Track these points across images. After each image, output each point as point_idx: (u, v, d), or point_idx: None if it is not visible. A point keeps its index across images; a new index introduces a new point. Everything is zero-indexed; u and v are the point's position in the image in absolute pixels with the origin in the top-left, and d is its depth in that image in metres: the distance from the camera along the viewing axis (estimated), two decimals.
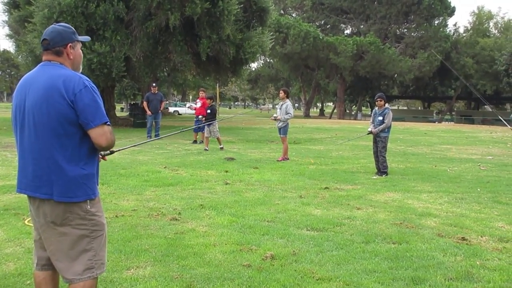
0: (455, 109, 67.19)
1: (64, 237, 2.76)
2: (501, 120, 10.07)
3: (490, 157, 14.09)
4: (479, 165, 11.96)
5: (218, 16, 20.54)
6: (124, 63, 20.68)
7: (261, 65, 65.25)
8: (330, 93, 66.07)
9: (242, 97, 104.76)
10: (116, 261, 4.42)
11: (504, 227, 5.86)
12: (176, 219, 5.93)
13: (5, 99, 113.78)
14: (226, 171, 10.03)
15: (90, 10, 19.51)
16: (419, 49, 48.95)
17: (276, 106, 13.27)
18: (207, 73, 28.91)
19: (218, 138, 14.60)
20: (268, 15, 25.02)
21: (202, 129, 15.10)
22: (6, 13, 26.42)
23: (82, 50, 2.98)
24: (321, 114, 71.73)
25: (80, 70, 2.95)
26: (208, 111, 14.73)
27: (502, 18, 62.95)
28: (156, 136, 17.09)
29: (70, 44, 2.82)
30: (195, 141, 16.55)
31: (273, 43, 30.49)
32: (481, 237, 5.43)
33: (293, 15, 58.78)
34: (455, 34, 55.42)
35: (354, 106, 74.45)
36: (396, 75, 51.81)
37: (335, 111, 62.06)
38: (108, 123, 2.76)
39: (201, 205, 6.77)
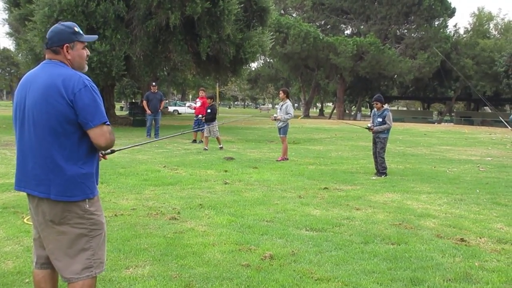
0: (454, 110, 67.22)
1: (62, 236, 2.75)
2: (501, 121, 10.08)
3: (489, 159, 14.10)
4: (478, 166, 11.97)
5: (218, 15, 20.56)
6: (124, 62, 20.69)
7: (261, 65, 65.23)
8: (329, 93, 66.09)
9: (242, 96, 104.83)
10: (115, 260, 4.42)
11: (503, 229, 5.86)
12: (175, 219, 5.93)
13: (5, 97, 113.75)
14: (226, 171, 10.03)
15: (90, 8, 19.52)
16: (419, 50, 48.95)
17: (276, 106, 13.27)
18: (207, 72, 28.93)
19: (217, 138, 14.60)
20: (269, 15, 25.04)
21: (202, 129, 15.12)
22: (7, 11, 26.43)
23: None
24: (321, 114, 71.72)
25: (84, 70, 2.93)
26: (208, 110, 14.73)
27: (502, 19, 63.13)
28: (156, 135, 17.11)
29: (67, 44, 2.79)
30: (194, 141, 16.55)
31: (273, 43, 30.51)
32: (480, 238, 5.44)
33: (294, 15, 58.75)
34: (455, 35, 55.41)
35: (353, 106, 74.48)
36: (396, 75, 51.80)
37: (334, 111, 62.05)
38: (108, 123, 2.75)
39: (200, 204, 6.78)
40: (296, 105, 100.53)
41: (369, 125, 10.31)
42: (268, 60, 61.87)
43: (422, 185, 9.00)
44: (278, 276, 4.10)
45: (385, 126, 10.04)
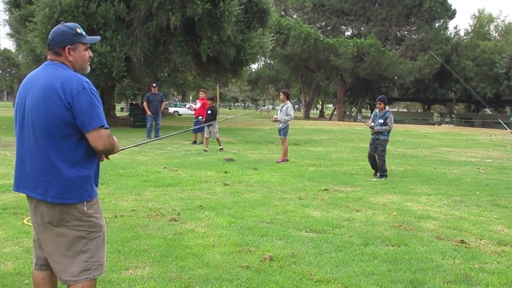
0: (455, 111, 67.20)
1: (60, 238, 2.75)
2: (501, 123, 10.07)
3: (490, 160, 14.09)
4: (479, 168, 11.96)
5: (219, 17, 20.57)
6: (124, 63, 20.70)
7: (262, 66, 65.29)
8: (330, 95, 66.04)
9: (242, 98, 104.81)
10: (115, 261, 4.42)
11: (503, 230, 5.86)
12: (175, 220, 5.93)
13: (5, 98, 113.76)
14: (226, 172, 10.03)
15: (91, 9, 19.53)
16: (419, 51, 48.96)
17: (277, 108, 13.27)
18: (208, 73, 28.94)
19: (217, 139, 14.60)
20: (269, 16, 25.07)
21: (202, 130, 15.11)
22: (7, 12, 26.46)
23: None
24: (321, 115, 71.74)
25: (86, 71, 2.92)
26: (209, 111, 14.73)
27: (503, 21, 62.93)
28: (156, 136, 17.09)
29: (69, 46, 2.77)
30: (194, 142, 16.55)
31: (274, 44, 30.52)
32: (480, 240, 5.43)
33: (294, 16, 58.80)
34: (456, 36, 55.44)
35: (354, 108, 74.46)
36: (396, 77, 51.81)
37: (335, 112, 62.06)
38: (106, 126, 2.72)
39: (200, 206, 6.77)
40: (296, 106, 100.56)
41: (372, 124, 10.23)
42: (269, 62, 61.95)
43: (422, 186, 9.00)
44: (278, 278, 4.10)
45: (386, 127, 10.01)
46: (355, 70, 48.69)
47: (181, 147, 15.30)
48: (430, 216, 6.55)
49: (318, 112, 79.85)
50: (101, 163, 3.00)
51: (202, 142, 15.61)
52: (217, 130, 14.62)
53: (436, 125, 49.52)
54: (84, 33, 2.87)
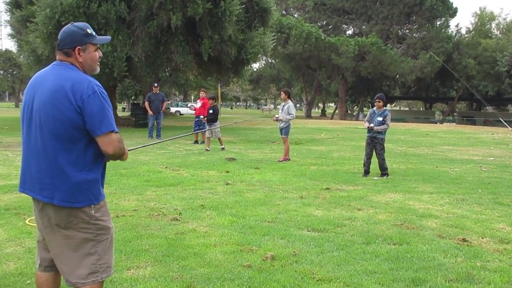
0: (457, 110, 67.11)
1: (68, 240, 2.72)
2: (503, 121, 10.06)
3: (492, 158, 14.07)
4: (481, 166, 11.95)
5: (220, 16, 20.56)
6: (125, 63, 20.70)
7: (263, 65, 65.31)
8: (331, 94, 66.03)
9: (244, 97, 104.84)
10: (117, 261, 4.42)
11: (505, 229, 5.85)
12: (176, 219, 5.93)
13: (7, 99, 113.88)
14: (227, 172, 10.03)
15: (92, 10, 19.53)
16: (421, 50, 48.92)
17: (278, 107, 13.28)
18: (209, 73, 28.94)
19: (219, 139, 14.62)
20: (270, 15, 25.04)
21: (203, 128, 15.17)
22: (8, 13, 26.46)
23: None
24: (323, 114, 71.69)
25: (96, 72, 2.87)
26: (211, 111, 14.75)
27: (504, 19, 62.89)
28: (157, 136, 17.12)
29: (79, 47, 2.72)
30: (196, 141, 16.57)
31: (275, 43, 30.51)
32: (482, 238, 5.43)
33: (295, 15, 58.78)
34: (457, 35, 55.42)
35: (355, 106, 74.45)
36: (398, 76, 51.78)
37: (336, 111, 62.01)
38: (116, 131, 2.69)
39: (202, 205, 6.78)
40: (298, 105, 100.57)
41: (371, 125, 10.15)
42: (270, 61, 61.98)
43: (424, 185, 8.99)
44: (280, 277, 4.10)
45: (384, 126, 9.97)
46: (357, 69, 48.66)
47: (183, 146, 15.31)
48: (432, 214, 6.55)
49: (320, 111, 79.75)
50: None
51: (203, 142, 15.63)
52: (219, 129, 14.64)
53: (438, 123, 49.48)
54: (94, 33, 2.82)
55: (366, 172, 10.12)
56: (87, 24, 2.84)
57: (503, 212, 6.83)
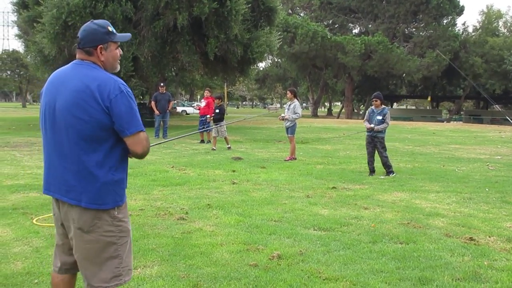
0: (463, 108, 66.78)
1: (90, 245, 2.66)
2: (510, 120, 10.01)
3: (499, 157, 14.00)
4: (488, 165, 11.89)
5: (226, 15, 20.58)
6: (132, 63, 20.79)
7: (269, 64, 65.19)
8: (338, 93, 65.86)
9: (250, 96, 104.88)
10: None
11: None
12: (183, 219, 5.95)
13: (14, 99, 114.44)
14: (234, 171, 10.04)
15: (98, 10, 19.59)
16: (427, 48, 48.66)
17: (284, 106, 13.27)
18: (215, 72, 28.96)
19: (225, 138, 14.63)
20: (276, 14, 25.02)
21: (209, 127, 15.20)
22: (15, 13, 26.61)
23: None
24: (329, 113, 71.55)
25: (116, 70, 2.83)
26: (217, 110, 14.76)
27: (511, 17, 62.56)
28: (164, 136, 17.15)
29: (101, 45, 2.67)
30: (202, 141, 16.59)
31: (281, 42, 30.48)
32: (489, 237, 5.40)
33: (301, 14, 58.66)
34: (464, 33, 55.07)
35: (362, 105, 74.20)
36: (404, 74, 51.53)
37: (343, 110, 61.89)
38: (143, 130, 2.68)
39: (208, 204, 6.79)
40: (304, 104, 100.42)
41: (372, 125, 10.12)
42: (276, 60, 61.84)
43: (430, 184, 8.96)
44: (286, 276, 4.10)
45: (384, 125, 9.94)
46: (363, 68, 48.49)
47: (189, 146, 15.34)
48: (439, 213, 6.53)
49: (326, 110, 79.64)
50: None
51: (210, 141, 15.65)
52: (225, 129, 14.66)
53: (445, 122, 49.23)
54: (114, 31, 2.77)
55: (372, 171, 10.11)
56: (108, 21, 2.79)
57: (510, 211, 6.80)
